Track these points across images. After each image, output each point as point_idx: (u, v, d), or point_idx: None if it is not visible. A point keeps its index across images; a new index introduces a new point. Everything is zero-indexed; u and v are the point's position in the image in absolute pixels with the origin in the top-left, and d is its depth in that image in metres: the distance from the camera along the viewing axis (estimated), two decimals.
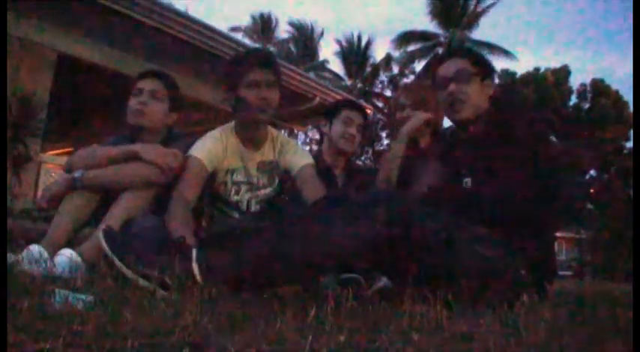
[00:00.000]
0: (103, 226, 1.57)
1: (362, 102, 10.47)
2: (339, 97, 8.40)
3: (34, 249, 1.63)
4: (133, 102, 2.13)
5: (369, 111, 9.70)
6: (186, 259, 1.29)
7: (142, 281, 1.26)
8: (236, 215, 2.09)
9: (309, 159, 2.13)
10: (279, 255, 1.26)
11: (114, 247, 1.34)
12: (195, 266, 1.27)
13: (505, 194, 1.53)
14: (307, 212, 1.47)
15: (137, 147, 1.96)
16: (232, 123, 2.12)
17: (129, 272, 1.28)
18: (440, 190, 1.86)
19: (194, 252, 1.30)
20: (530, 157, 1.55)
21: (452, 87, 1.72)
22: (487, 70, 1.75)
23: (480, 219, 1.50)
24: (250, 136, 2.08)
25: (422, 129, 2.39)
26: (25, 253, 1.60)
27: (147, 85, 2.15)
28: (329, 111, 2.64)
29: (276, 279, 1.29)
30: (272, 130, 2.17)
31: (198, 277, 1.25)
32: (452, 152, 1.79)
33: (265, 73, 1.96)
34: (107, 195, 1.88)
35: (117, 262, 1.31)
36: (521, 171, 1.54)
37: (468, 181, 1.65)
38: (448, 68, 1.76)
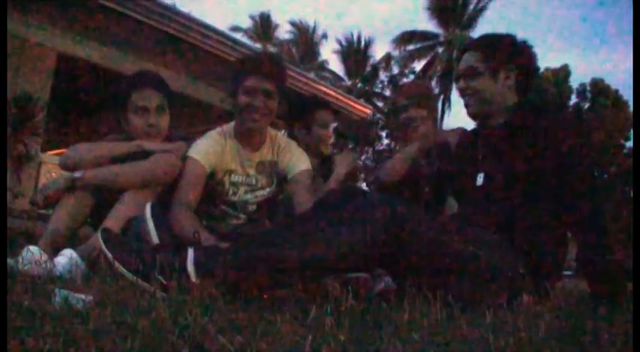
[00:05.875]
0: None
1: (361, 101, 10.47)
2: (339, 97, 8.41)
3: (34, 249, 1.63)
4: (139, 122, 2.03)
5: (368, 111, 9.70)
6: (183, 259, 1.27)
7: (141, 283, 1.25)
8: (233, 214, 2.10)
9: (306, 165, 2.12)
10: (276, 259, 1.25)
11: (113, 248, 1.32)
12: (190, 266, 1.26)
13: (520, 194, 1.52)
14: (304, 216, 1.46)
15: (143, 142, 1.98)
16: (232, 124, 2.12)
17: (128, 274, 1.27)
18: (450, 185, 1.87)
19: (190, 252, 1.29)
20: (556, 156, 1.51)
21: (460, 83, 1.72)
22: (499, 63, 1.67)
23: (491, 216, 1.51)
24: (249, 138, 2.08)
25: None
26: (24, 253, 1.60)
27: (150, 101, 2.03)
28: (302, 115, 2.57)
29: (273, 282, 1.28)
30: (271, 130, 2.17)
31: (193, 277, 1.25)
32: (469, 146, 1.77)
33: (263, 81, 1.95)
34: (106, 196, 1.88)
35: (116, 264, 1.29)
36: (544, 171, 1.51)
37: (481, 177, 1.64)
38: (461, 63, 1.75)
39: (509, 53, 1.68)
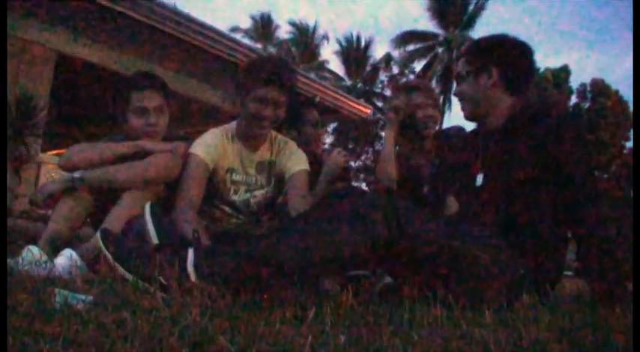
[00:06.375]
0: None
1: (361, 101, 10.46)
2: (339, 97, 8.41)
3: (34, 249, 1.63)
4: (139, 123, 2.02)
5: (368, 111, 9.70)
6: (183, 259, 1.27)
7: (141, 284, 1.25)
8: (234, 214, 2.10)
9: (304, 165, 2.13)
10: (276, 260, 1.25)
11: (112, 249, 1.32)
12: (190, 266, 1.26)
13: (517, 195, 1.52)
14: (304, 216, 1.45)
15: (142, 142, 1.98)
16: (234, 124, 2.12)
17: (128, 274, 1.27)
18: (449, 186, 1.88)
19: (190, 252, 1.29)
20: (550, 156, 1.52)
21: (454, 89, 1.80)
22: (477, 64, 1.69)
23: (489, 216, 1.51)
24: (252, 140, 2.09)
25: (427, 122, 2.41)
26: (24, 253, 1.60)
27: (150, 102, 2.03)
28: (291, 115, 2.60)
29: (273, 283, 1.28)
30: (271, 131, 2.17)
31: (192, 277, 1.25)
32: (469, 147, 1.78)
33: (275, 92, 1.95)
34: (106, 196, 1.88)
35: (115, 264, 1.29)
36: (539, 171, 1.52)
37: (480, 177, 1.64)
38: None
39: (487, 53, 1.70)
